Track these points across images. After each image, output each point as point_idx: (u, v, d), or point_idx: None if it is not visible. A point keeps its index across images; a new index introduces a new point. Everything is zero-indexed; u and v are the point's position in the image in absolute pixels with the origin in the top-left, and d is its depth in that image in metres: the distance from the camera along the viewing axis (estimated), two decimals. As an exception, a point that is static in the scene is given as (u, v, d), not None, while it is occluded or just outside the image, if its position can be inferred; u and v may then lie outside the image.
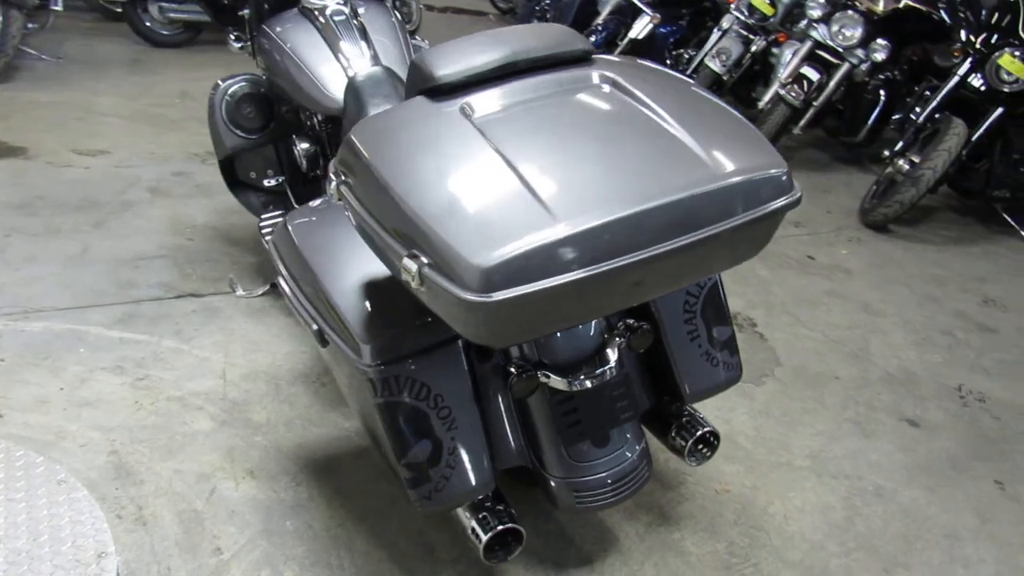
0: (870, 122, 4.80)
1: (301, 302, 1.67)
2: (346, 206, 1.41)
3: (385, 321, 1.51)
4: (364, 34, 2.40)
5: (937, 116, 4.01)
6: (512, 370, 1.56)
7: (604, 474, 1.62)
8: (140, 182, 3.63)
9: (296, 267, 1.70)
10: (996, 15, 3.86)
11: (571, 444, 1.60)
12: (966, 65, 3.96)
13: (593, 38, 5.99)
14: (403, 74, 2.33)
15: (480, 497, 1.59)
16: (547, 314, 1.23)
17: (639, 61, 1.56)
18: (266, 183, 2.80)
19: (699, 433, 1.75)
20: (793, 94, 4.62)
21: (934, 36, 4.70)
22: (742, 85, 5.47)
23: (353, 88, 2.25)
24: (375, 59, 2.35)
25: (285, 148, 2.79)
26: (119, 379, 2.29)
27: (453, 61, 1.42)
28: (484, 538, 1.56)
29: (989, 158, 4.07)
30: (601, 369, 1.56)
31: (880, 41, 4.57)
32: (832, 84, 4.69)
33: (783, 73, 4.86)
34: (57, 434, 2.05)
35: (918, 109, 4.16)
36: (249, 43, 2.71)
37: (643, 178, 1.23)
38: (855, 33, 4.60)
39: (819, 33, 4.77)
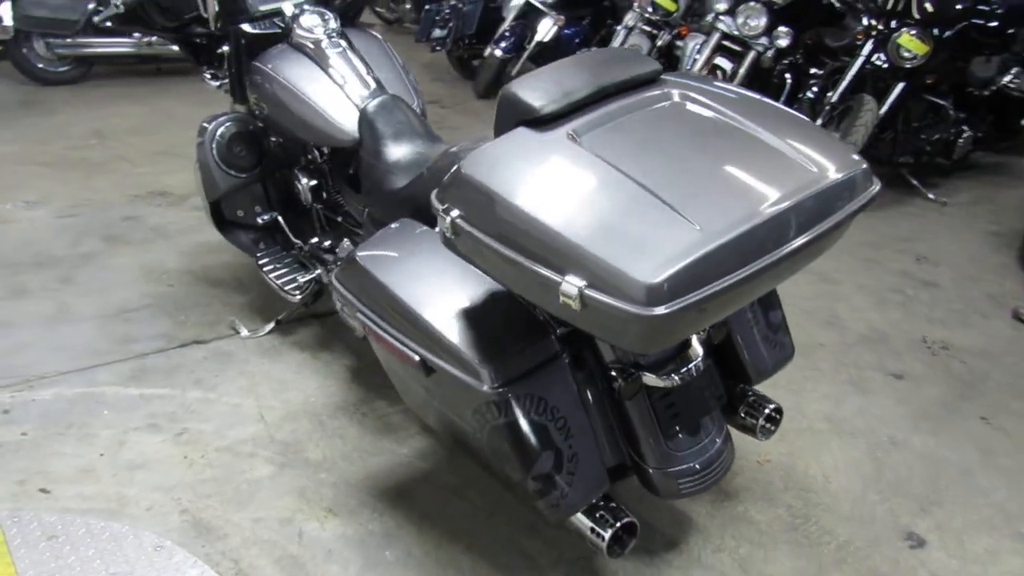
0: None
1: (392, 335, 1.70)
2: (462, 240, 1.46)
3: (497, 344, 1.58)
4: (365, 64, 2.42)
5: (848, 95, 4.35)
6: (614, 374, 1.66)
7: (700, 460, 1.75)
8: (91, 231, 3.48)
9: (380, 300, 1.73)
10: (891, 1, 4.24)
11: (670, 436, 1.72)
12: (869, 46, 4.32)
13: (502, 44, 6.11)
14: (408, 100, 2.39)
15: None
16: (698, 318, 1.34)
17: (701, 76, 1.69)
18: (259, 220, 2.76)
19: (767, 411, 1.90)
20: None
21: (828, 20, 5.08)
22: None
23: (367, 119, 2.28)
24: (381, 88, 2.38)
25: (275, 184, 2.77)
26: (158, 437, 2.23)
27: (548, 92, 1.50)
28: (607, 535, 1.65)
29: (893, 129, 4.46)
30: (693, 363, 1.68)
31: (782, 28, 4.89)
32: (742, 72, 4.99)
33: (697, 65, 5.12)
34: (118, 501, 1.99)
35: (829, 91, 4.50)
36: (227, 80, 2.67)
37: (762, 186, 1.36)
38: (759, 23, 4.91)
39: (725, 24, 5.05)
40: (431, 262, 1.76)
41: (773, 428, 1.95)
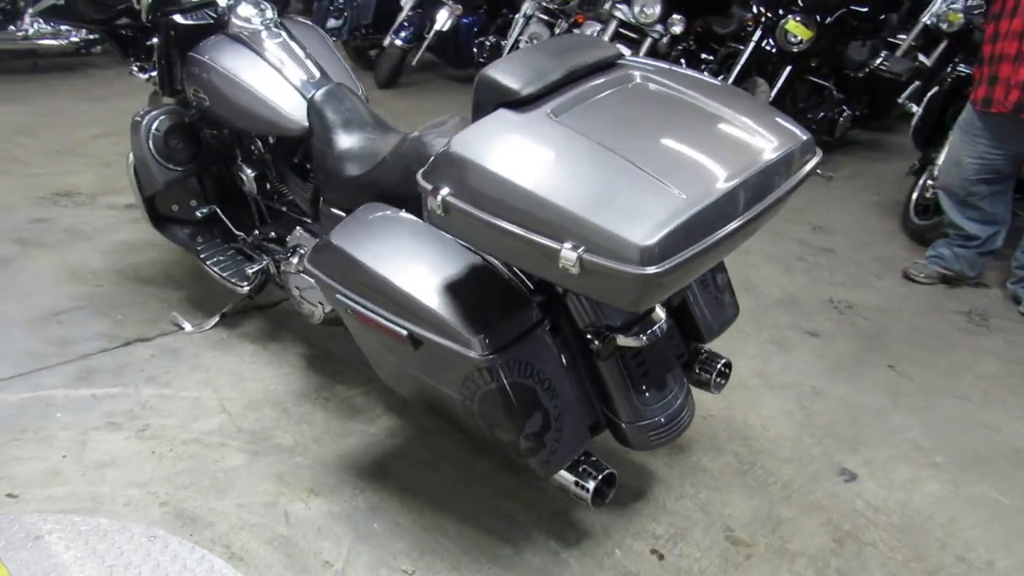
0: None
1: (376, 313, 1.77)
2: (453, 217, 1.54)
3: (484, 315, 1.68)
4: (306, 53, 2.45)
5: (741, 78, 4.65)
6: (590, 337, 1.78)
7: (666, 413, 1.90)
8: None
9: (362, 280, 1.79)
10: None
11: (640, 393, 1.86)
12: (759, 33, 4.62)
13: (402, 34, 6.13)
14: (352, 87, 2.43)
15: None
16: (682, 276, 1.48)
17: (654, 61, 1.83)
18: (198, 214, 2.73)
19: (719, 367, 2.08)
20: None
21: (716, 8, 5.38)
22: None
23: (316, 108, 2.31)
24: (326, 77, 2.41)
25: (211, 176, 2.75)
26: (120, 435, 2.21)
27: (525, 75, 1.59)
28: (591, 487, 1.79)
29: (782, 109, 4.79)
30: (658, 324, 1.83)
31: (676, 16, 5.16)
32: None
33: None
34: (93, 500, 1.97)
35: (722, 75, 4.79)
36: (156, 73, 2.63)
37: (731, 154, 1.51)
38: (655, 10, 5.16)
39: (622, 13, 5.28)
40: (409, 241, 1.84)
41: (724, 382, 2.13)
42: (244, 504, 1.99)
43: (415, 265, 1.78)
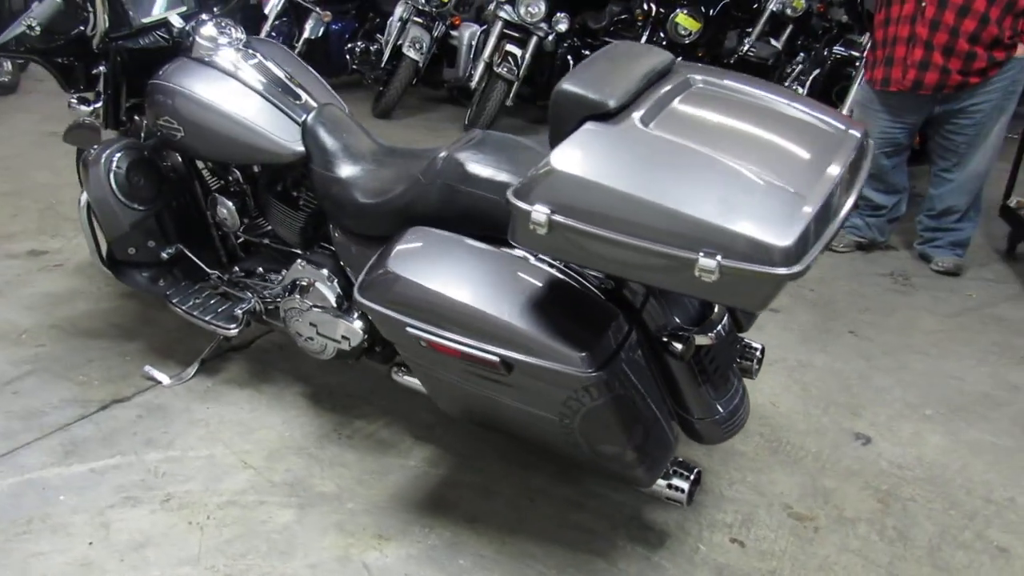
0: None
1: (461, 341, 1.71)
2: (555, 235, 1.50)
3: (581, 331, 1.67)
4: (286, 73, 2.31)
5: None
6: (666, 340, 1.80)
7: (732, 406, 1.96)
8: None
9: (439, 309, 1.73)
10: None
11: (710, 388, 1.91)
12: (649, 28, 4.80)
13: None
14: (339, 107, 2.32)
15: (668, 457, 1.83)
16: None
17: (702, 65, 1.87)
18: (164, 255, 2.50)
19: (757, 353, 2.17)
20: (507, 70, 5.14)
21: (596, 5, 5.54)
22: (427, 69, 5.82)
23: (312, 132, 2.19)
24: (311, 97, 2.28)
25: (170, 213, 2.52)
26: (143, 509, 1.99)
27: (609, 87, 1.58)
28: (687, 487, 1.82)
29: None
30: (724, 320, 1.88)
31: (560, 14, 5.26)
32: (528, 56, 5.28)
33: (486, 52, 5.33)
34: (146, 586, 1.77)
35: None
36: (100, 104, 2.38)
37: (819, 148, 1.57)
38: (540, 9, 5.23)
39: (506, 13, 5.30)
40: (479, 264, 1.79)
41: (759, 368, 2.22)
42: (316, 563, 1.86)
43: (496, 288, 1.73)
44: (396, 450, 2.26)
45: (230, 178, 2.38)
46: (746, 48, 5.34)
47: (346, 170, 2.13)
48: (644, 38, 4.85)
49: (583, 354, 1.63)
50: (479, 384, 1.79)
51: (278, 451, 2.23)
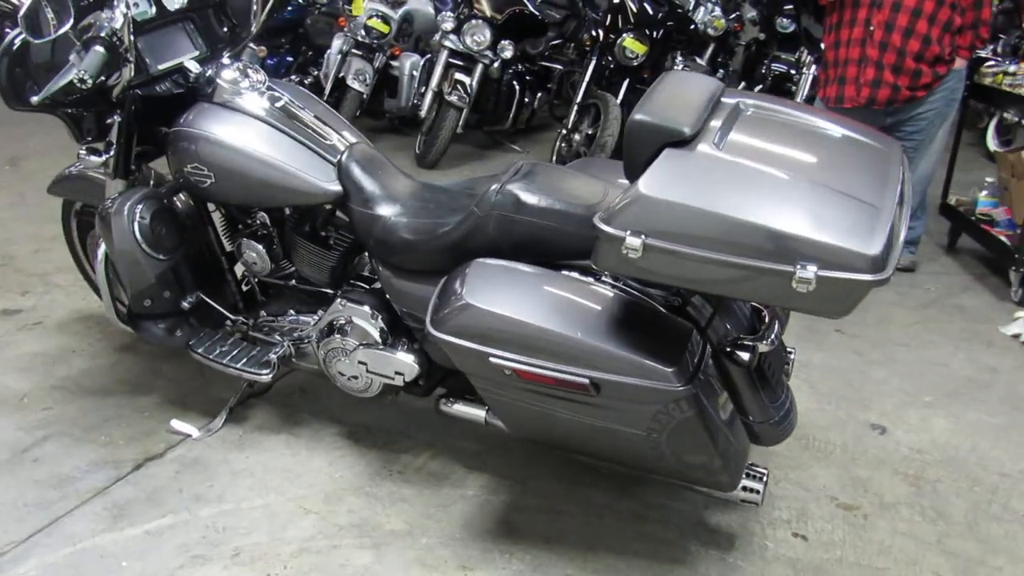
0: (514, 110, 5.64)
1: (549, 367, 1.76)
2: (649, 259, 1.57)
3: (666, 347, 1.74)
4: (311, 114, 2.31)
5: (588, 94, 4.97)
6: (729, 350, 1.90)
7: (785, 408, 2.07)
8: None
9: (524, 338, 1.77)
10: (611, 12, 4.92)
11: (768, 392, 2.02)
12: (597, 52, 4.97)
13: None
14: (366, 145, 2.33)
15: (739, 460, 1.92)
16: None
17: (741, 91, 1.98)
18: (185, 304, 2.44)
19: (791, 356, 2.29)
20: (457, 98, 5.21)
21: (536, 32, 5.68)
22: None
23: (348, 171, 2.20)
24: (341, 137, 2.29)
25: (186, 260, 2.46)
26: (215, 567, 1.94)
27: (684, 115, 1.68)
28: (761, 489, 1.92)
29: (624, 119, 5.20)
30: (776, 326, 2.00)
31: (505, 41, 5.37)
32: (475, 84, 5.37)
33: (433, 81, 5.38)
34: (245, 643, 1.73)
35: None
36: (112, 155, 2.31)
37: (874, 162, 1.71)
38: (485, 37, 5.32)
39: (451, 42, 5.38)
40: (554, 290, 1.85)
41: (791, 369, 2.34)
42: (409, 599, 1.86)
43: (576, 312, 1.80)
44: (451, 481, 2.27)
45: (257, 221, 2.35)
46: (680, 66, 5.58)
47: (390, 208, 2.15)
48: (593, 62, 5.00)
49: (672, 369, 1.70)
50: (563, 407, 1.84)
51: (334, 493, 2.20)
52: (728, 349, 1.89)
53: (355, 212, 2.19)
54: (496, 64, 5.44)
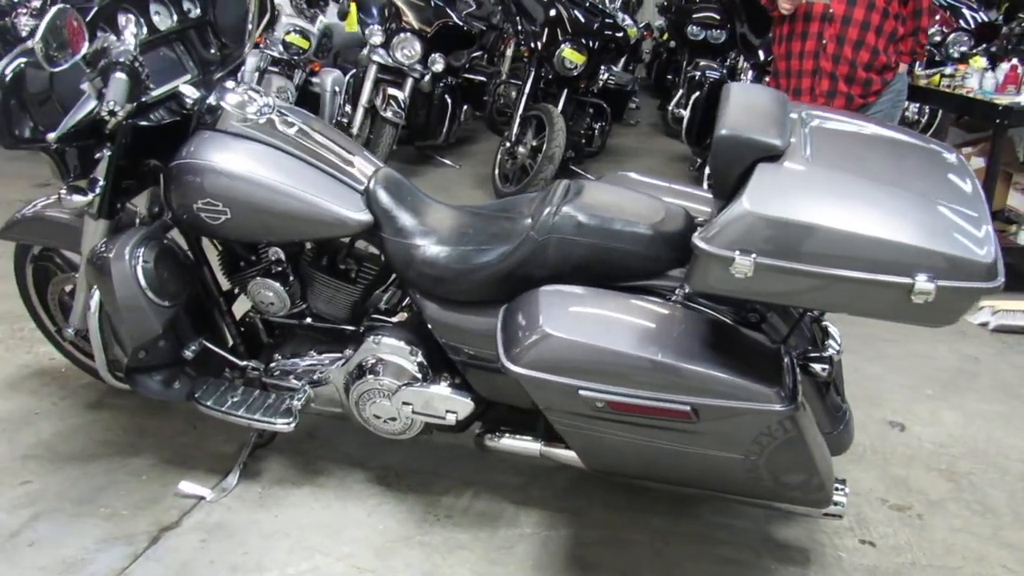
0: (447, 123, 5.52)
1: (647, 396, 1.68)
2: (760, 278, 1.51)
3: (764, 367, 1.70)
4: (328, 139, 2.13)
5: (530, 105, 4.92)
6: (803, 363, 1.88)
7: (847, 417, 2.07)
8: None
9: (617, 367, 1.69)
10: (548, 25, 4.89)
11: (832, 400, 2.01)
12: (535, 63, 4.93)
13: None
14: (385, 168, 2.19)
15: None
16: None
17: (796, 102, 1.96)
18: (188, 353, 2.20)
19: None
20: (392, 113, 5.05)
21: (464, 44, 5.60)
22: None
23: (377, 199, 2.05)
24: (364, 162, 2.13)
25: (186, 305, 2.22)
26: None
27: (774, 129, 1.63)
28: (844, 501, 1.89)
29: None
30: (835, 337, 2.00)
31: (435, 55, 5.25)
32: (406, 98, 5.22)
33: (363, 97, 5.20)
34: None
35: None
36: (99, 193, 2.06)
37: (955, 173, 1.71)
38: (416, 51, 5.19)
39: (380, 56, 5.21)
40: (636, 315, 1.77)
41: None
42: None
43: (668, 336, 1.73)
44: (504, 520, 2.14)
45: (272, 258, 2.14)
46: (606, 76, 5.63)
47: (428, 236, 2.01)
48: (531, 74, 4.95)
49: (776, 389, 1.65)
50: (655, 436, 1.75)
51: (384, 547, 2.04)
52: (802, 363, 1.87)
53: (390, 242, 2.03)
54: (427, 78, 5.32)
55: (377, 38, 5.15)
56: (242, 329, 2.35)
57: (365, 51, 5.29)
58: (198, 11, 2.23)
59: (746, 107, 1.73)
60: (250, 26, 2.26)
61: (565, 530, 2.12)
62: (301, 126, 2.12)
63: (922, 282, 1.46)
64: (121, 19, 1.95)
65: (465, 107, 5.92)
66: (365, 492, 2.24)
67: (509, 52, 6.57)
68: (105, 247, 2.03)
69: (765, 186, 1.56)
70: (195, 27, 2.22)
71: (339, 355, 2.20)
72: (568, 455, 2.01)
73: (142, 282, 2.00)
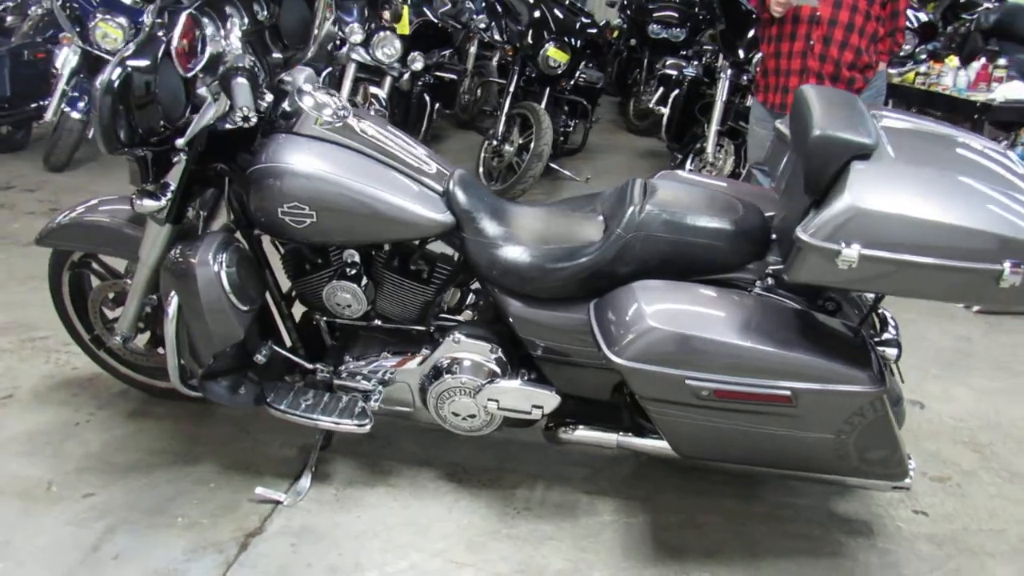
0: (425, 122, 5.53)
1: (750, 383, 1.77)
2: (864, 268, 1.63)
3: (857, 350, 1.82)
4: (404, 140, 2.16)
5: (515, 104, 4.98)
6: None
7: (900, 394, 2.20)
8: None
9: (722, 356, 1.78)
10: (533, 25, 4.95)
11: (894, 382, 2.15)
12: (519, 62, 4.99)
13: (79, 104, 5.20)
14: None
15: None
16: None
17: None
18: (260, 358, 2.19)
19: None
20: (376, 111, 5.03)
21: (443, 43, 5.61)
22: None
23: (457, 200, 2.09)
24: (436, 163, 2.16)
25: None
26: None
27: (864, 129, 1.75)
28: (913, 472, 2.03)
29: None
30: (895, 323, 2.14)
31: (415, 53, 5.25)
32: (384, 95, 5.21)
33: (344, 92, 5.16)
34: None
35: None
36: (171, 198, 2.04)
37: (1014, 162, 1.85)
38: (395, 50, 5.17)
39: (359, 55, 5.18)
40: (732, 307, 1.86)
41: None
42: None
43: (765, 326, 1.82)
44: (582, 510, 2.21)
45: (347, 260, 2.14)
46: (577, 74, 5.73)
47: (509, 236, 2.06)
48: (516, 72, 5.00)
49: (869, 372, 1.77)
50: (754, 421, 1.85)
51: (474, 541, 2.08)
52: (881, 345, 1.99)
53: (471, 243, 2.07)
54: (406, 76, 5.31)
55: (357, 36, 5.10)
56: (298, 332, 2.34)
57: (344, 49, 5.24)
58: (265, 13, 2.21)
59: (830, 108, 1.84)
60: (316, 30, 2.25)
61: (643, 516, 2.20)
62: (375, 128, 2.13)
63: (1013, 269, 1.59)
64: (209, 28, 1.93)
65: (436, 106, 5.94)
66: (439, 489, 2.27)
67: (473, 49, 6.61)
68: (183, 253, 2.01)
69: (865, 182, 1.67)
70: (259, 31, 2.20)
71: (411, 355, 2.22)
72: (646, 443, 2.10)
73: (226, 287, 1.99)
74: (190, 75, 1.77)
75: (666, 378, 1.80)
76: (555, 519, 2.17)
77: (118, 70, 1.77)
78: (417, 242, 2.18)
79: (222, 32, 1.95)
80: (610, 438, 2.13)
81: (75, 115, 5.14)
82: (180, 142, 1.88)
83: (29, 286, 3.37)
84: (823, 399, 1.78)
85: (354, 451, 2.41)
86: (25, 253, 3.76)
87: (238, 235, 2.19)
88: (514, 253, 2.04)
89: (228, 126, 2.00)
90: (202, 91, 1.87)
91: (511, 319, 2.08)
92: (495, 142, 4.98)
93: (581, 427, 2.15)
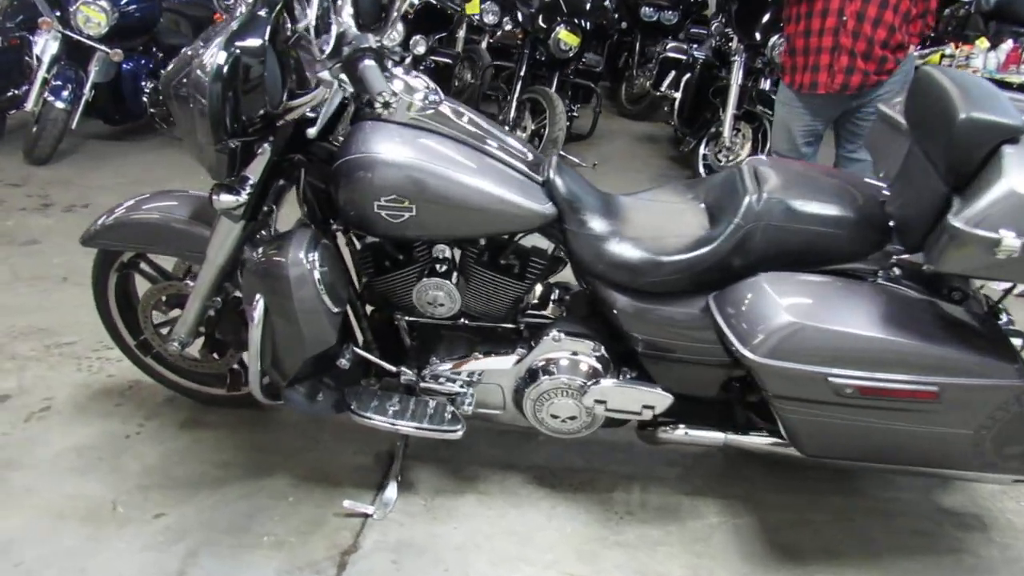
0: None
1: (897, 379, 1.69)
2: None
3: (1000, 342, 1.76)
4: (497, 127, 2.03)
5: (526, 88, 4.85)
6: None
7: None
8: None
9: (867, 352, 1.71)
10: (544, 7, 4.81)
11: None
12: (529, 46, 4.86)
13: (62, 93, 4.92)
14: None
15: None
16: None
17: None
18: (343, 362, 2.05)
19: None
20: (383, 98, 4.85)
21: (441, 26, 5.45)
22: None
23: (558, 190, 1.97)
24: (530, 151, 2.04)
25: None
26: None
27: (1008, 110, 1.67)
28: None
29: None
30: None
31: (417, 37, 5.10)
32: (390, 82, 5.03)
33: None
34: None
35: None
36: (252, 192, 1.87)
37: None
38: (398, 33, 4.99)
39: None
40: (870, 301, 1.77)
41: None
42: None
43: (906, 320, 1.74)
44: (685, 513, 2.11)
45: (439, 256, 2.00)
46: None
47: (615, 228, 1.95)
48: (526, 56, 4.87)
49: (1017, 366, 1.71)
50: (895, 418, 1.77)
51: (583, 550, 1.97)
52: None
53: (575, 235, 1.94)
54: (408, 60, 5.12)
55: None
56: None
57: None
58: None
59: (967, 89, 1.76)
60: (396, 12, 2.10)
61: (749, 517, 2.11)
62: (467, 113, 2.00)
63: None
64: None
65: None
66: (533, 495, 2.15)
67: (461, 33, 6.45)
68: (269, 252, 1.85)
69: (1021, 166, 1.59)
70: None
71: (503, 355, 2.09)
72: (756, 442, 2.02)
73: (320, 288, 1.84)
74: (321, 59, 1.62)
75: (807, 376, 1.71)
76: (661, 523, 2.07)
77: (223, 54, 1.60)
78: (507, 236, 2.05)
79: (333, 9, 1.79)
80: (717, 437, 2.03)
81: (59, 104, 4.86)
82: (311, 132, 1.72)
83: (38, 287, 3.16)
84: (969, 394, 1.71)
85: (431, 457, 2.27)
86: (26, 252, 3.53)
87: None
88: (624, 245, 1.92)
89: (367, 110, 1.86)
90: (323, 75, 1.72)
91: (616, 314, 1.97)
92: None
93: (683, 427, 2.05)
